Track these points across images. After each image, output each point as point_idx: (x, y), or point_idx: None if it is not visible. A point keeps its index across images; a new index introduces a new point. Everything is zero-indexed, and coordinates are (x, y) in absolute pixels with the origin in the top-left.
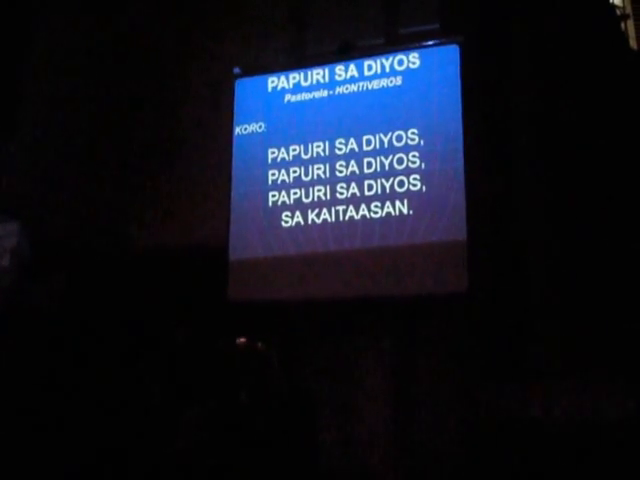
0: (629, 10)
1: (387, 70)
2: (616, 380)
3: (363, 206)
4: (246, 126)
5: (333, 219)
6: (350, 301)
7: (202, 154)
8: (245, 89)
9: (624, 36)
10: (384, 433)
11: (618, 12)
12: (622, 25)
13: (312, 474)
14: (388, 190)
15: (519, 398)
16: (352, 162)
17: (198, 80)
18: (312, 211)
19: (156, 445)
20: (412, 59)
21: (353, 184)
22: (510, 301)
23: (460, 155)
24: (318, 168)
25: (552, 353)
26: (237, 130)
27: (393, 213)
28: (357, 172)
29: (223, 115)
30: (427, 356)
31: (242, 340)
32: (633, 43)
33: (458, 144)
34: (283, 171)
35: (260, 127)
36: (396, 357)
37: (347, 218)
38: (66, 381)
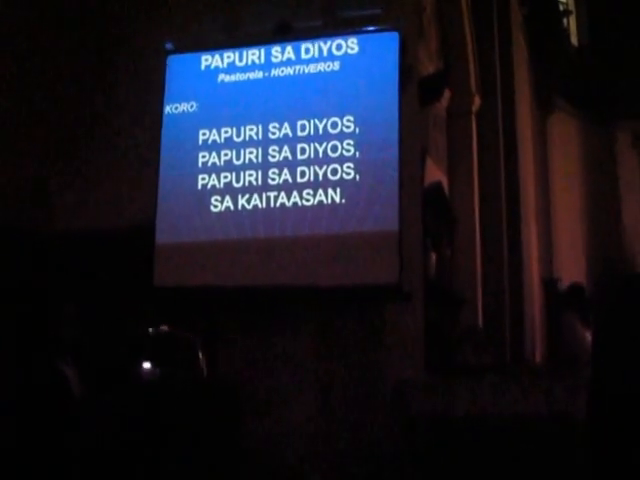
0: (572, 6)
1: (325, 54)
2: (543, 377)
3: (295, 193)
4: (177, 105)
5: (264, 205)
6: (279, 289)
7: (131, 132)
8: (177, 66)
9: (566, 32)
10: (310, 424)
11: (561, 8)
12: (564, 21)
13: (235, 461)
14: (321, 178)
15: (448, 393)
16: (285, 147)
17: (130, 55)
18: (242, 196)
19: (73, 431)
20: (351, 44)
21: (285, 170)
22: (441, 296)
23: (395, 145)
24: (250, 152)
25: (481, 349)
26: (167, 109)
27: (325, 201)
28: (290, 158)
29: (153, 92)
30: (356, 348)
31: (166, 328)
32: (574, 39)
33: (394, 133)
34: (214, 154)
35: (192, 107)
36: (324, 348)
37: (278, 205)
38: None
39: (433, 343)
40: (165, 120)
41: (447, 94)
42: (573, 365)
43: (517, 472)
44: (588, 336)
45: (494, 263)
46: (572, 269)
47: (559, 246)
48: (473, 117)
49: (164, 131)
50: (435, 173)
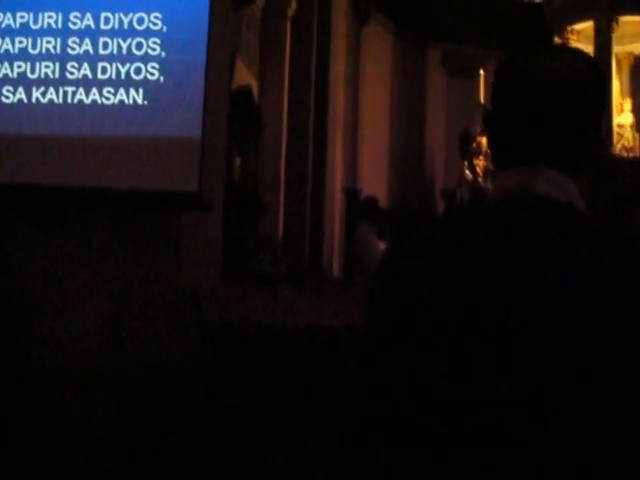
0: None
1: None
2: (337, 289)
3: (95, 90)
4: None
5: (60, 100)
6: (71, 190)
7: None
8: None
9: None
10: (101, 329)
11: None
12: None
13: (23, 368)
14: (123, 76)
15: (243, 302)
16: (87, 40)
17: None
18: (37, 89)
19: None
20: None
21: (85, 65)
22: (242, 202)
23: (203, 46)
24: (48, 42)
25: (278, 259)
26: None
27: (126, 101)
28: (91, 52)
29: None
30: (150, 255)
31: None
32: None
33: (203, 34)
34: (7, 40)
35: None
36: (118, 253)
37: (76, 101)
38: None
39: (231, 251)
40: None
41: None
42: (363, 277)
43: (308, 383)
44: (381, 248)
45: (298, 171)
46: (374, 181)
47: (364, 158)
48: (288, 21)
49: None
50: (245, 76)
